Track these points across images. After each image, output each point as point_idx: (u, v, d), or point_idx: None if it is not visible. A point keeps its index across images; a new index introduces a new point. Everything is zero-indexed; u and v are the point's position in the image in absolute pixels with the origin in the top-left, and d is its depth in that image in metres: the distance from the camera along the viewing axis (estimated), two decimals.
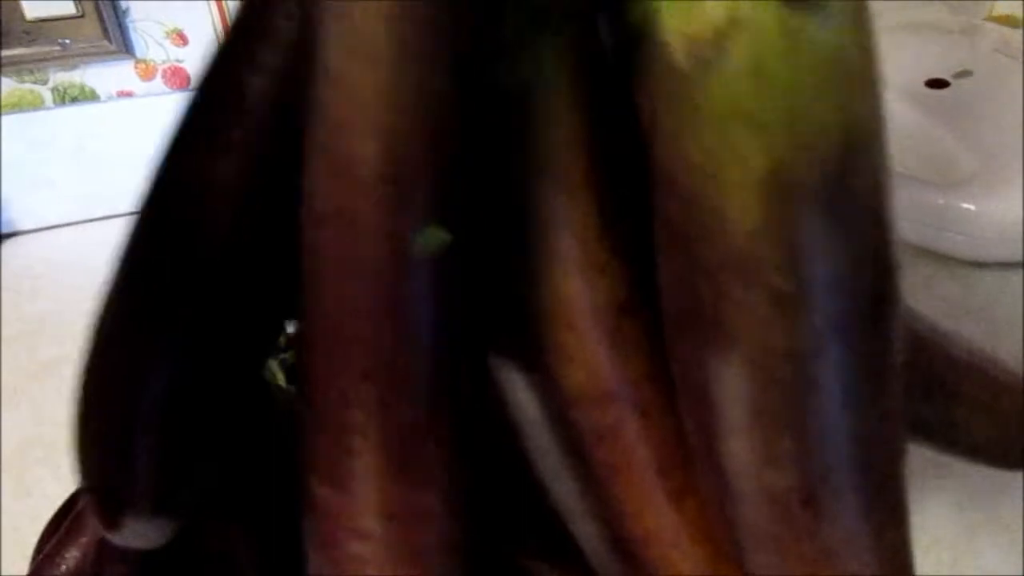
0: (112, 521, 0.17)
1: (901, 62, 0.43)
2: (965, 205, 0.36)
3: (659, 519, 0.18)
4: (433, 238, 0.11)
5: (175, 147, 0.14)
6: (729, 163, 0.11)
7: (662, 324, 0.15)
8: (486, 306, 0.14)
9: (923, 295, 0.37)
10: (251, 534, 0.21)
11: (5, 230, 0.48)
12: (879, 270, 0.12)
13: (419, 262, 0.12)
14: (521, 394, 0.17)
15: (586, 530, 0.18)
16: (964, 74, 0.42)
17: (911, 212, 0.37)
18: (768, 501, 0.14)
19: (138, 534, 0.17)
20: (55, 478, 0.34)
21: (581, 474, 0.17)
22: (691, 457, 0.17)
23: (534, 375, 0.16)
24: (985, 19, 0.51)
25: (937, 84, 0.41)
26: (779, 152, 0.11)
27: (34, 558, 0.26)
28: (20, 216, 0.48)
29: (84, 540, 0.23)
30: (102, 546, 0.21)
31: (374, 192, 0.11)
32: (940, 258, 0.39)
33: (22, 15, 0.42)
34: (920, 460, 0.29)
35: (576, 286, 0.15)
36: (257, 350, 0.16)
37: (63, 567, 0.23)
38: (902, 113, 0.40)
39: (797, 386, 0.12)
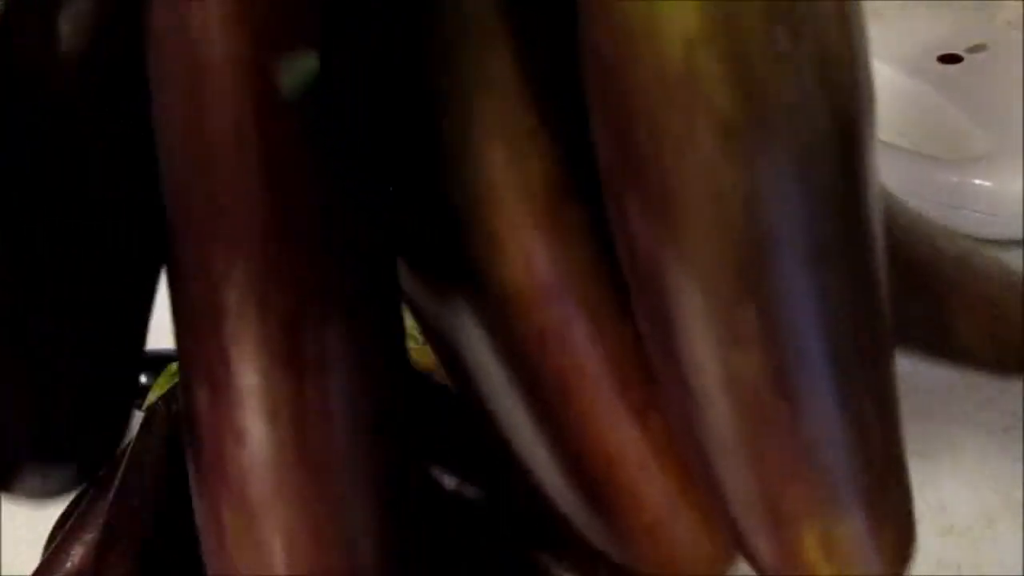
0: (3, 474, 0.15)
1: (912, 36, 0.42)
2: (980, 182, 0.35)
3: (621, 437, 0.16)
4: (300, 69, 0.09)
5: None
6: None
7: (605, 210, 0.13)
8: (397, 180, 0.12)
9: None
10: None
11: None
12: (847, 86, 0.10)
13: (287, 103, 0.10)
14: (451, 303, 0.15)
15: (540, 455, 0.16)
16: (978, 48, 0.41)
17: (924, 190, 0.36)
18: (737, 396, 0.12)
19: (35, 488, 0.15)
20: None
21: (529, 393, 0.15)
22: (651, 372, 0.15)
23: (464, 277, 0.14)
24: None
25: (950, 59, 0.40)
26: None
27: (42, 558, 0.25)
28: None
29: (88, 537, 0.23)
30: (106, 543, 0.21)
31: (218, 4, 0.09)
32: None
33: None
34: (936, 444, 0.28)
35: (501, 153, 0.13)
36: (139, 267, 0.14)
37: (68, 564, 0.23)
38: (914, 89, 0.39)
39: (754, 239, 0.10)
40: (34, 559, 0.31)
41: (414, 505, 0.11)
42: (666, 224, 0.11)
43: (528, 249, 0.13)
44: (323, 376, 0.10)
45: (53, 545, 0.24)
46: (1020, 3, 0.45)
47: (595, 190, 0.13)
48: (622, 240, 0.12)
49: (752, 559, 0.15)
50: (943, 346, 0.19)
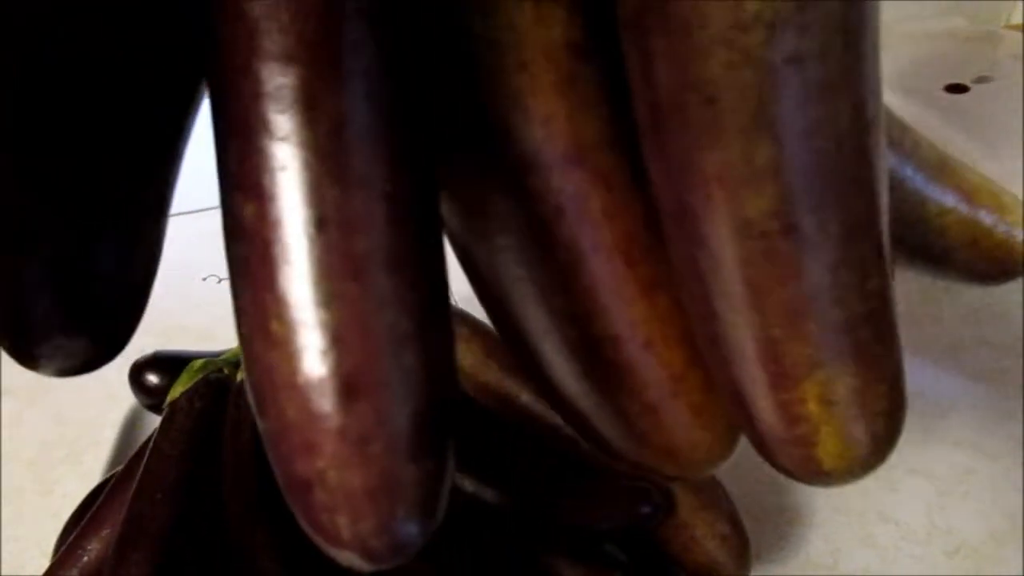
0: (26, 347, 0.15)
1: (919, 66, 0.43)
2: None
3: (629, 315, 0.16)
4: None
5: None
6: None
7: (623, 79, 0.13)
8: (429, 30, 0.13)
9: (946, 301, 0.37)
10: (275, 533, 0.21)
11: None
12: None
13: None
14: (473, 175, 0.15)
15: (548, 335, 0.17)
16: (984, 79, 0.42)
17: None
18: (746, 237, 0.13)
19: (58, 357, 0.15)
20: (76, 476, 0.34)
21: (541, 264, 0.16)
22: (662, 249, 0.15)
23: (486, 143, 0.15)
24: (1004, 27, 0.52)
25: (956, 89, 0.42)
26: None
27: (56, 553, 0.26)
28: None
29: (106, 532, 0.24)
30: (123, 538, 0.21)
31: None
32: None
33: None
34: (943, 467, 0.29)
35: (528, 14, 0.13)
36: (160, 133, 0.14)
37: (84, 558, 0.23)
38: (920, 117, 0.41)
39: (774, 67, 0.11)
40: (38, 557, 0.30)
41: (446, 320, 0.12)
42: (689, 57, 0.11)
43: (549, 110, 0.14)
44: (367, 185, 0.11)
45: (68, 540, 0.24)
46: (1022, 37, 0.47)
47: (611, 58, 0.14)
48: (640, 86, 0.13)
49: (751, 425, 0.16)
50: (926, 248, 0.20)
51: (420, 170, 0.11)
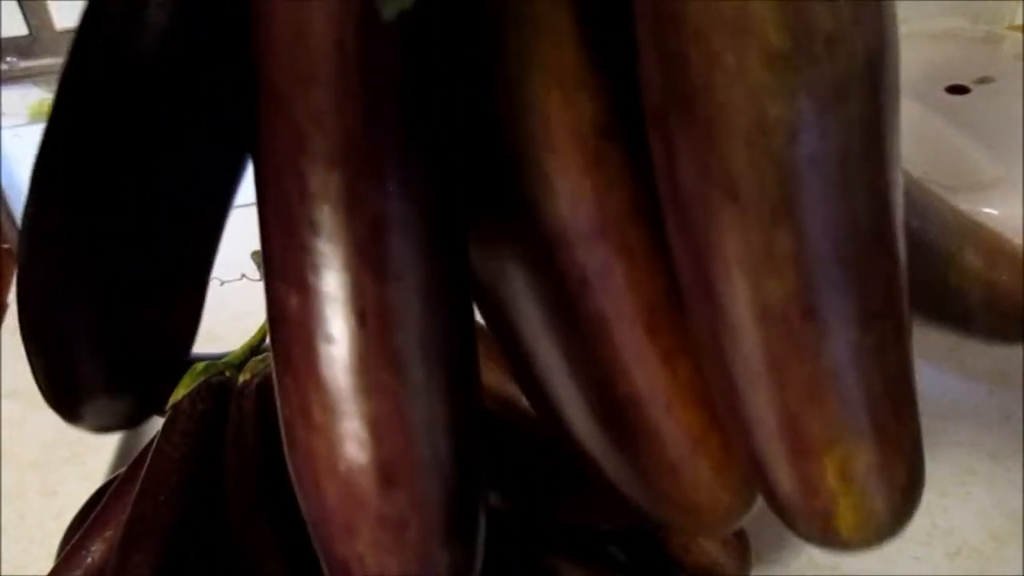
0: (70, 408, 0.16)
1: (921, 69, 0.43)
2: (987, 210, 0.36)
3: (651, 380, 0.17)
4: None
5: None
6: None
7: (647, 157, 0.14)
8: (462, 120, 0.13)
9: None
10: (278, 534, 0.21)
11: None
12: (877, 26, 0.11)
13: (385, 26, 0.11)
14: (500, 245, 0.16)
15: (571, 396, 0.17)
16: (985, 80, 0.42)
17: None
18: (767, 319, 0.13)
19: (101, 416, 0.16)
20: (80, 477, 0.35)
21: (565, 331, 0.16)
22: (683, 317, 0.16)
23: (513, 219, 0.15)
24: (1006, 28, 0.52)
25: (958, 90, 0.42)
26: None
27: (59, 554, 0.26)
28: None
29: (109, 533, 0.24)
30: (127, 539, 0.21)
31: None
32: None
33: (51, 25, 0.42)
34: (945, 469, 0.29)
35: (555, 100, 0.14)
36: (209, 202, 0.15)
37: (88, 559, 0.23)
38: (922, 118, 0.40)
39: (794, 165, 0.12)
40: (40, 558, 0.31)
41: (479, 404, 0.12)
42: (712, 154, 0.12)
43: (576, 190, 0.14)
44: (405, 278, 0.11)
45: (72, 541, 0.24)
46: None
47: (635, 136, 0.14)
48: (664, 175, 0.13)
49: (771, 493, 0.16)
50: (948, 310, 0.20)
51: (455, 262, 0.12)
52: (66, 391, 0.15)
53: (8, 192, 0.47)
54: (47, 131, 0.14)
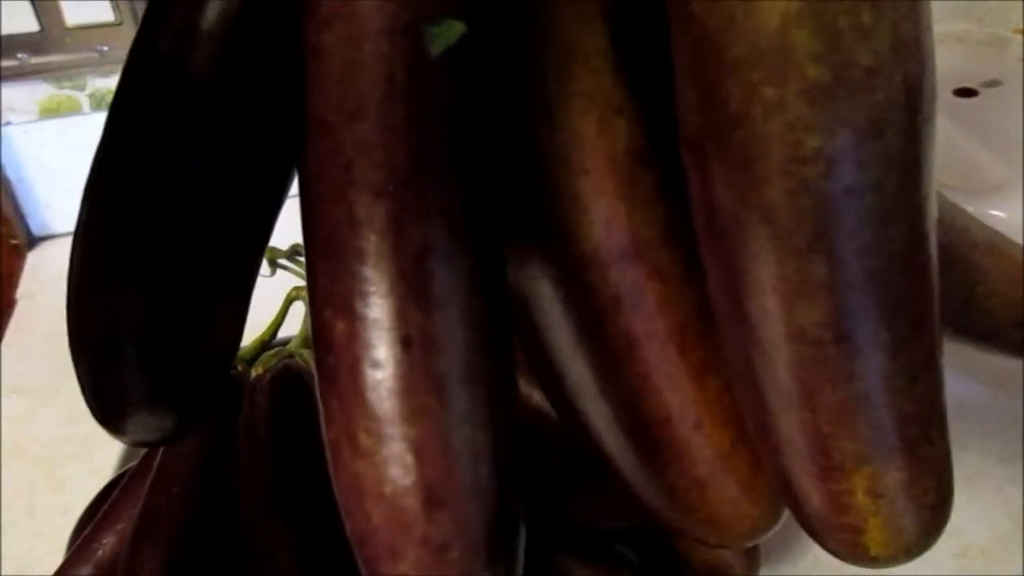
0: (113, 418, 0.16)
1: None
2: (994, 212, 0.36)
3: (680, 398, 0.17)
4: (447, 31, 0.11)
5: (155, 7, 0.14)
6: None
7: (680, 181, 0.14)
8: (501, 144, 0.14)
9: None
10: (291, 529, 0.21)
11: (42, 234, 0.49)
12: (916, 59, 0.11)
13: (432, 60, 0.11)
14: (535, 264, 0.16)
15: (601, 412, 0.17)
16: (993, 84, 0.42)
17: None
18: (800, 343, 0.13)
19: (143, 428, 0.17)
20: (88, 473, 0.35)
21: (598, 350, 0.17)
22: (713, 335, 0.16)
23: (548, 240, 0.15)
24: (1012, 31, 0.52)
25: (965, 93, 0.42)
26: None
27: (69, 548, 0.26)
28: (57, 220, 0.48)
29: (121, 527, 0.24)
30: (139, 533, 0.21)
31: None
32: None
33: (62, 22, 0.42)
34: (954, 471, 0.29)
35: (592, 126, 0.14)
36: (253, 224, 0.15)
37: (99, 552, 0.23)
38: None
39: (831, 197, 0.12)
40: (49, 554, 0.31)
41: (517, 435, 0.12)
42: (749, 183, 0.12)
43: (610, 213, 0.14)
44: (448, 307, 0.11)
45: (83, 535, 0.24)
46: None
47: (669, 160, 0.14)
48: (699, 201, 0.13)
49: (800, 509, 0.16)
50: (973, 327, 0.20)
51: (496, 288, 0.12)
52: (111, 403, 0.16)
53: (17, 188, 0.47)
54: (101, 142, 0.15)
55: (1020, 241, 0.36)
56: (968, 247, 0.19)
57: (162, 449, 0.23)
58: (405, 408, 0.11)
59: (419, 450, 0.11)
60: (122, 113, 0.14)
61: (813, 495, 0.16)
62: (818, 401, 0.14)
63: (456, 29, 0.11)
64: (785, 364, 0.14)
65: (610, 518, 0.27)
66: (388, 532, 0.11)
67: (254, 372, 0.26)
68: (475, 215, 0.12)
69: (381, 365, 0.11)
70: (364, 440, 0.11)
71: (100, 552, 0.23)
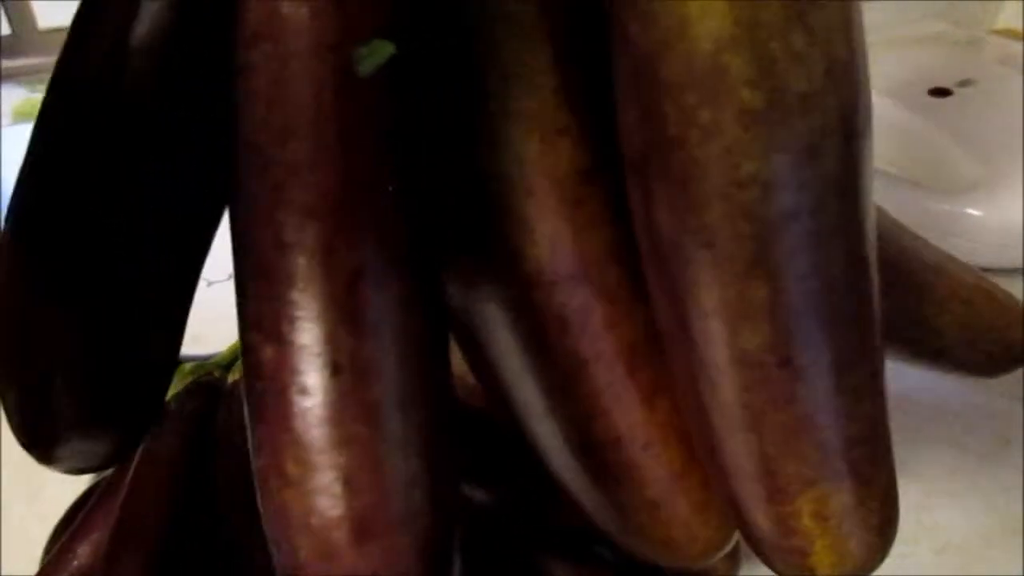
0: (46, 449, 0.16)
1: (904, 73, 0.44)
2: (969, 211, 0.37)
3: (629, 419, 0.17)
4: (376, 52, 0.10)
5: (88, 8, 0.13)
6: None
7: (625, 199, 0.14)
8: (440, 167, 0.13)
9: None
10: None
11: None
12: (850, 83, 0.11)
13: (362, 81, 0.11)
14: (480, 286, 0.16)
15: (550, 433, 0.17)
16: (967, 83, 0.43)
17: (917, 218, 0.37)
18: (743, 366, 0.13)
19: (78, 456, 0.16)
20: (64, 480, 0.33)
21: (546, 372, 0.16)
22: (662, 354, 0.16)
23: (493, 262, 0.15)
24: (987, 32, 0.53)
25: (940, 92, 0.42)
26: None
27: (44, 557, 0.25)
28: None
29: (97, 535, 0.23)
30: (115, 540, 0.21)
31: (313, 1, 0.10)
32: None
33: (34, 24, 0.41)
34: (929, 467, 0.29)
35: (535, 146, 0.14)
36: (190, 235, 0.15)
37: (75, 563, 0.23)
38: (905, 120, 0.41)
39: (769, 221, 0.12)
40: (24, 562, 0.30)
41: (453, 460, 0.12)
42: (688, 206, 0.12)
43: (555, 235, 0.14)
44: (380, 333, 0.11)
45: (58, 545, 0.24)
46: (1007, 42, 0.48)
47: (615, 179, 0.14)
48: (642, 223, 0.13)
49: (748, 531, 0.16)
50: (924, 346, 0.20)
51: (430, 311, 0.12)
52: (40, 429, 0.15)
53: None
54: (27, 153, 0.14)
55: (996, 239, 0.37)
56: (917, 267, 0.19)
57: (139, 456, 0.23)
58: (334, 436, 0.11)
59: (348, 480, 0.11)
60: (51, 124, 0.14)
61: (760, 517, 0.15)
62: (762, 423, 0.14)
63: (385, 49, 0.10)
64: (729, 387, 0.14)
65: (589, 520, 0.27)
66: (316, 565, 0.11)
67: (231, 378, 0.25)
68: (409, 237, 0.12)
69: (310, 392, 0.11)
70: (292, 469, 0.11)
71: (75, 563, 0.23)
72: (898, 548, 0.27)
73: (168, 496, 0.21)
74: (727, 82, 0.11)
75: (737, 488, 0.15)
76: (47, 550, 0.26)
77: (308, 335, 0.11)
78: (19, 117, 0.44)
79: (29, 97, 0.44)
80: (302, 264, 0.11)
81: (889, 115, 0.40)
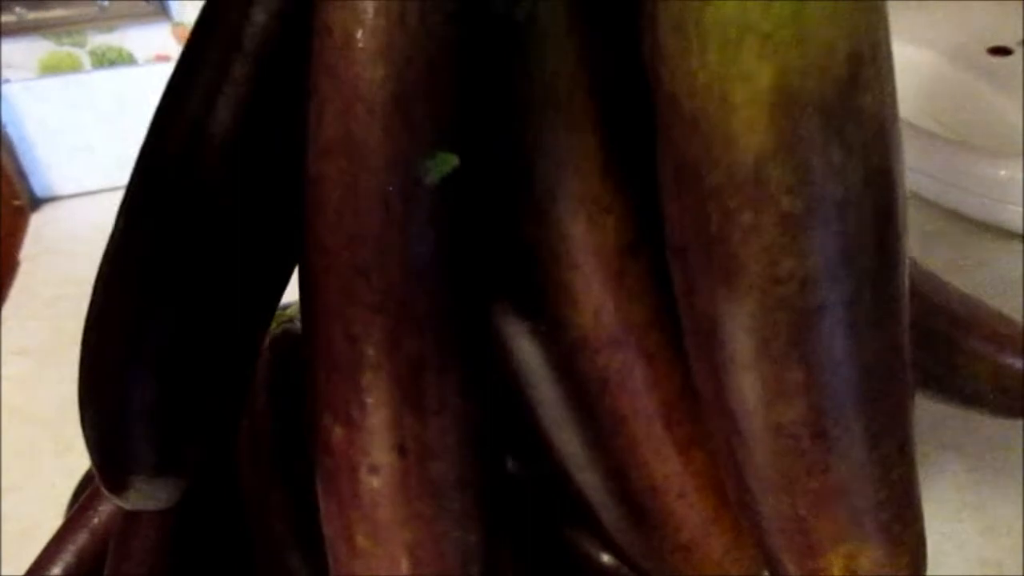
0: (117, 484, 0.17)
1: (963, 27, 0.41)
2: (1019, 176, 0.34)
3: (666, 470, 0.18)
4: (442, 164, 0.11)
5: (173, 91, 0.14)
6: (736, 82, 0.11)
7: (667, 267, 0.15)
8: (492, 245, 0.14)
9: (983, 271, 0.35)
10: (289, 496, 0.21)
11: (44, 195, 0.47)
12: (886, 189, 0.12)
13: (427, 189, 0.12)
14: (525, 345, 0.17)
15: (591, 481, 0.18)
16: None
17: (970, 184, 0.35)
18: (778, 437, 0.14)
19: (145, 496, 0.17)
20: None
21: (586, 425, 0.17)
22: (698, 408, 0.17)
23: (538, 323, 0.16)
24: None
25: (1000, 52, 0.40)
26: (788, 70, 0.11)
27: (67, 511, 0.26)
28: (59, 181, 0.47)
29: None
30: None
31: (382, 116, 0.11)
32: (1001, 232, 0.37)
33: None
34: (977, 443, 0.28)
35: (581, 225, 0.15)
36: (261, 303, 0.16)
37: (95, 520, 0.23)
38: (962, 79, 0.39)
39: (806, 313, 0.12)
40: (53, 517, 0.31)
41: (505, 532, 0.13)
42: (728, 293, 0.13)
43: (598, 302, 0.15)
44: (442, 415, 0.12)
45: (79, 502, 0.24)
46: None
47: (658, 248, 0.15)
48: (684, 298, 0.14)
49: None
50: (954, 391, 0.21)
51: (485, 394, 0.13)
52: (118, 466, 0.16)
53: (19, 148, 0.46)
54: (122, 209, 0.15)
55: None
56: (946, 315, 0.20)
57: None
58: (400, 512, 0.12)
59: (413, 553, 0.12)
60: (145, 179, 0.15)
61: (791, 569, 0.16)
62: (796, 489, 0.15)
63: (450, 161, 0.11)
64: (764, 454, 0.14)
65: None
66: None
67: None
68: (466, 326, 0.13)
69: (377, 471, 0.12)
70: (361, 542, 0.12)
71: (96, 520, 0.23)
72: (940, 527, 0.26)
73: None
74: (768, 190, 0.11)
75: (770, 542, 0.16)
76: (70, 504, 0.27)
77: (375, 418, 0.12)
78: (46, 70, 0.44)
79: (55, 50, 0.44)
80: (369, 354, 0.12)
81: (943, 72, 0.38)
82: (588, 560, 0.24)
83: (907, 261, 0.13)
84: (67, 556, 0.23)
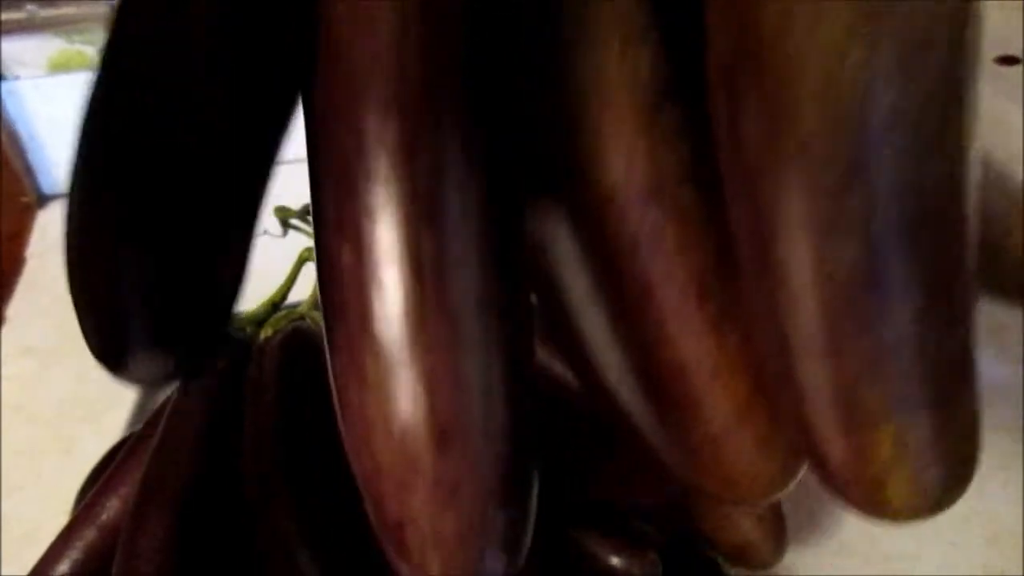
0: (116, 357, 0.16)
1: None
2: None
3: (698, 346, 0.16)
4: None
5: None
6: None
7: (701, 120, 0.13)
8: (517, 75, 0.13)
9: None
10: (294, 494, 0.21)
11: (53, 192, 0.47)
12: None
13: None
14: (551, 206, 0.15)
15: (614, 362, 0.17)
16: None
17: None
18: (828, 289, 0.13)
19: (144, 367, 0.16)
20: (96, 434, 0.34)
21: (613, 294, 0.16)
22: (733, 286, 0.15)
23: (566, 177, 0.15)
24: None
25: (1008, 61, 0.41)
26: None
27: (74, 510, 0.26)
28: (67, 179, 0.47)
29: (124, 491, 0.23)
30: (142, 496, 0.21)
31: None
32: None
33: None
34: (987, 453, 0.28)
35: (615, 55, 0.13)
36: (257, 152, 0.15)
37: (103, 516, 0.23)
38: None
39: (868, 128, 0.11)
40: (57, 515, 0.31)
41: (533, 360, 0.12)
42: (781, 112, 0.11)
43: (631, 149, 0.14)
44: (463, 232, 0.11)
45: (87, 499, 0.24)
46: None
47: (693, 94, 0.14)
48: (727, 135, 0.13)
49: (821, 461, 0.16)
50: (998, 279, 0.19)
51: (511, 217, 0.12)
52: (114, 347, 0.15)
53: (28, 145, 0.46)
54: (93, 86, 0.14)
55: None
56: (999, 196, 0.19)
57: (167, 412, 0.23)
58: (415, 338, 0.11)
59: (430, 382, 0.11)
60: (114, 56, 0.14)
61: (836, 447, 0.15)
62: (845, 350, 0.13)
63: None
64: (812, 309, 0.13)
65: (630, 496, 0.27)
66: (397, 470, 0.11)
67: (263, 334, 0.25)
68: (492, 138, 0.11)
69: (390, 292, 0.11)
70: (372, 373, 0.11)
71: (103, 516, 0.23)
72: (949, 535, 0.26)
73: (195, 452, 0.22)
74: None
75: (812, 416, 0.15)
76: (76, 503, 0.26)
77: (389, 235, 0.11)
78: (56, 68, 0.44)
79: (65, 48, 0.44)
80: (383, 161, 0.11)
81: None
82: (595, 561, 0.23)
83: (979, 78, 0.12)
84: (75, 552, 0.23)
